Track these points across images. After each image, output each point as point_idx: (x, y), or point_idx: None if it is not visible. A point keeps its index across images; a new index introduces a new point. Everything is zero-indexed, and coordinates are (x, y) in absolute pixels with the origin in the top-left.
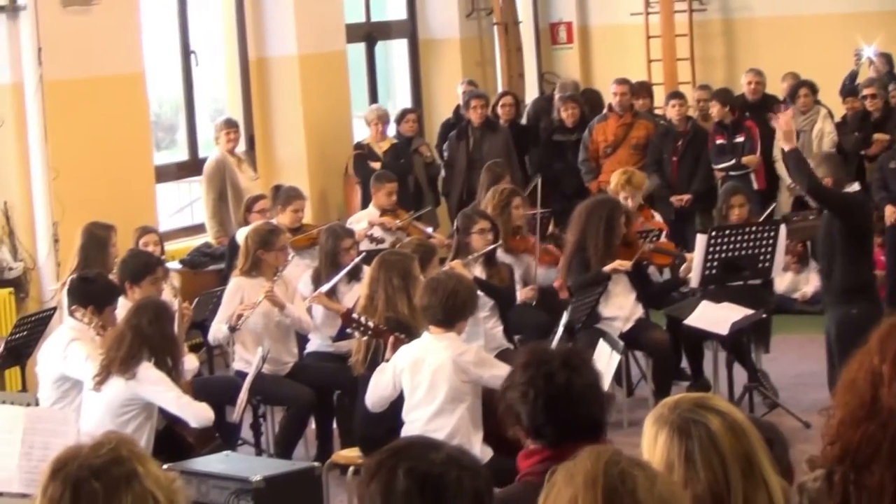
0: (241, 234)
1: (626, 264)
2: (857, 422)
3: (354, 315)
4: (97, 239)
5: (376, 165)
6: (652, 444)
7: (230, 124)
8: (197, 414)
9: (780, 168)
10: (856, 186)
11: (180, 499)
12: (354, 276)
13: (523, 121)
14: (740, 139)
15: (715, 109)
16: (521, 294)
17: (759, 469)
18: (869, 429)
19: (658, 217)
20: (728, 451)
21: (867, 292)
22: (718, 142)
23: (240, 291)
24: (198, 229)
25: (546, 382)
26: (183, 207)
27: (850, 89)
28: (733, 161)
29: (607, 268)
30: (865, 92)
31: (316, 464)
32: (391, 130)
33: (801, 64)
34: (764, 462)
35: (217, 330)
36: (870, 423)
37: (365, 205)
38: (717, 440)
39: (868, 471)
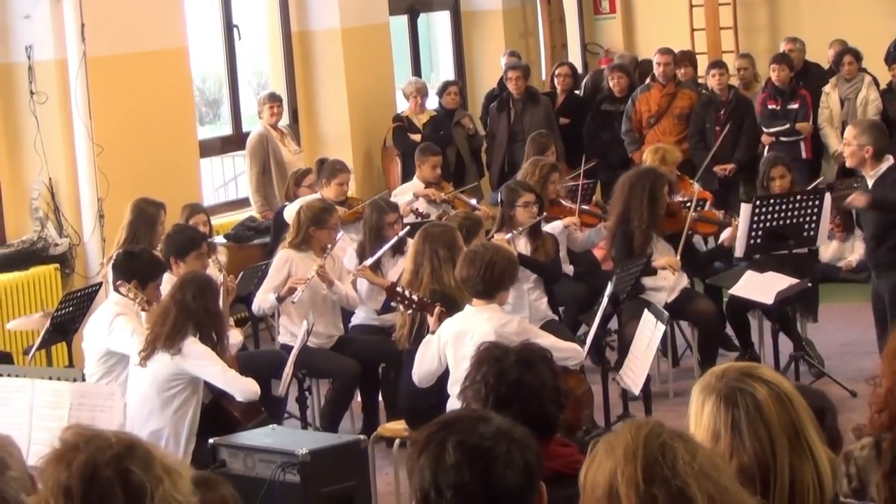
0: (290, 210)
1: (675, 264)
2: None
3: (399, 288)
4: (147, 215)
5: (416, 138)
6: (699, 413)
7: (273, 98)
8: (243, 388)
9: (826, 136)
10: (891, 160)
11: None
12: (398, 249)
13: (579, 91)
14: (794, 106)
15: (777, 74)
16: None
17: (806, 440)
18: None
19: (696, 186)
20: (775, 421)
21: None
22: (771, 107)
23: (288, 263)
24: (242, 204)
25: (497, 380)
26: (227, 182)
27: (895, 56)
28: (787, 126)
29: (657, 263)
30: None
31: (362, 437)
32: (433, 103)
33: (845, 32)
34: (811, 432)
35: (263, 300)
36: None
37: (405, 177)
38: (764, 410)
39: None
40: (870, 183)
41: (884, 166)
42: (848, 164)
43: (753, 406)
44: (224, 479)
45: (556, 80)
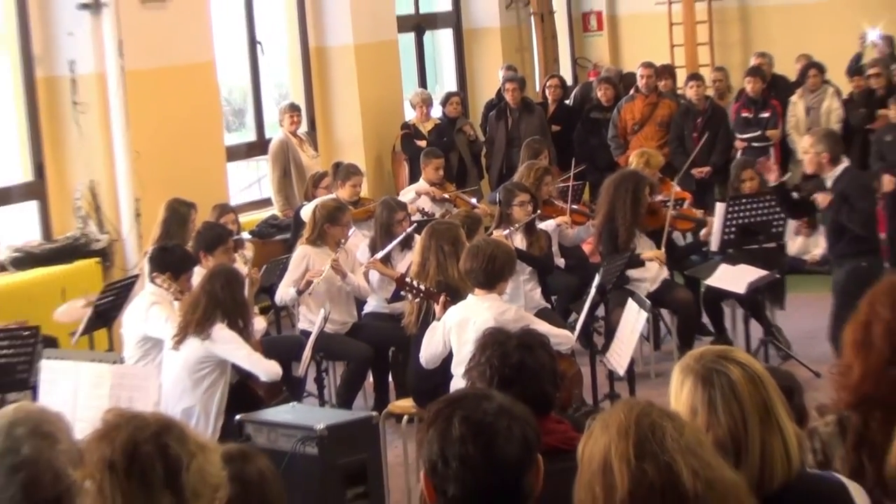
0: (308, 209)
1: (661, 256)
2: (879, 371)
3: (407, 279)
4: (179, 214)
5: (422, 143)
6: (678, 391)
7: (293, 108)
8: (266, 369)
9: (794, 142)
10: (846, 162)
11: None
12: (407, 244)
13: (569, 101)
14: (765, 114)
15: (751, 85)
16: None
17: (776, 416)
18: (894, 374)
19: (676, 187)
20: (747, 400)
21: (874, 249)
22: (744, 115)
23: (305, 258)
24: (265, 203)
25: (501, 362)
26: (251, 183)
27: (855, 69)
28: (758, 133)
29: (645, 255)
30: (870, 72)
31: (374, 413)
32: (436, 111)
33: (811, 47)
34: (780, 410)
35: (284, 293)
36: (893, 369)
37: (412, 179)
38: (738, 389)
39: (890, 407)
40: (829, 184)
41: (839, 168)
42: (808, 170)
43: (728, 385)
44: (260, 452)
45: (547, 91)
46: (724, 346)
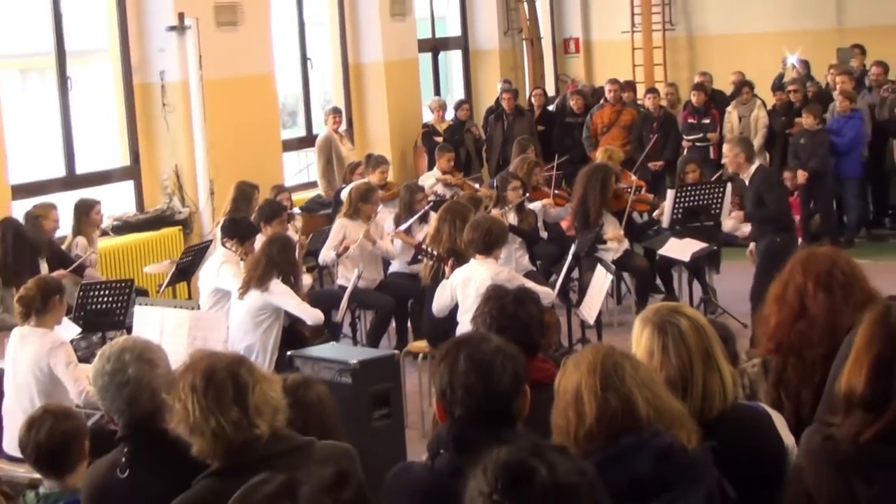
0: (346, 190)
1: (619, 236)
2: (790, 323)
3: (424, 246)
4: (246, 193)
5: (438, 139)
6: (638, 338)
7: (335, 111)
8: (312, 316)
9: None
10: (758, 161)
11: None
12: (424, 219)
13: (552, 108)
14: (707, 121)
15: (696, 98)
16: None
17: (715, 359)
18: (801, 327)
19: (634, 177)
20: (693, 345)
21: (788, 227)
22: (689, 121)
23: (343, 229)
24: (312, 185)
25: (499, 313)
26: (301, 169)
27: (778, 86)
28: (701, 135)
29: (608, 236)
30: (790, 87)
31: (396, 351)
32: (449, 115)
33: (744, 67)
34: (719, 354)
35: (326, 255)
36: (800, 322)
37: (430, 168)
38: (686, 336)
39: (800, 356)
40: (746, 181)
41: (752, 167)
42: (730, 170)
43: (678, 334)
44: (318, 380)
45: (533, 100)
46: (674, 302)
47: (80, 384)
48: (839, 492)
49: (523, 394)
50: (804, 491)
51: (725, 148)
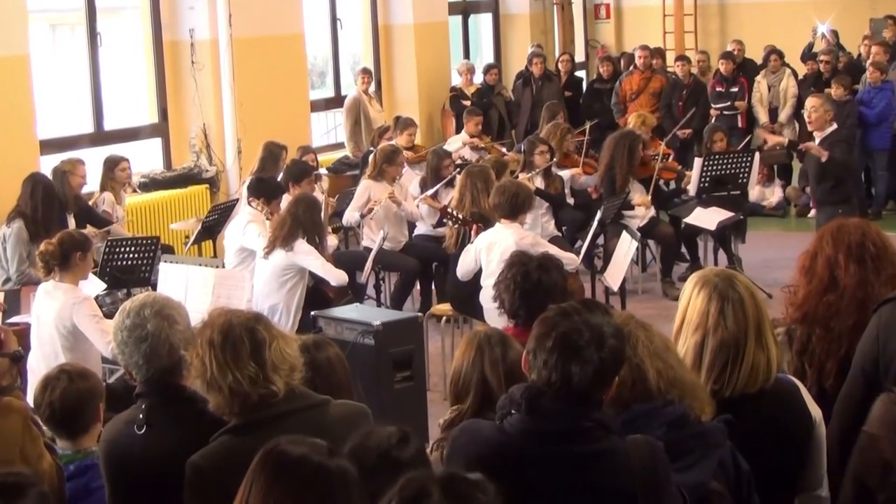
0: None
1: (647, 202)
2: (818, 294)
3: (449, 210)
4: (273, 153)
5: (466, 103)
6: (694, 295)
7: (365, 71)
8: (336, 276)
9: (757, 112)
10: (834, 125)
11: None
12: (450, 183)
13: (579, 74)
14: (735, 89)
15: (724, 66)
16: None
17: (764, 335)
18: (830, 298)
19: (663, 145)
20: (751, 316)
21: (849, 198)
22: (718, 89)
23: (368, 190)
24: (339, 146)
25: (523, 279)
26: (329, 130)
27: (808, 55)
28: (729, 103)
29: (635, 201)
30: (820, 57)
31: (419, 314)
32: (478, 79)
33: (773, 36)
34: (768, 330)
35: (350, 216)
36: (829, 294)
37: (458, 131)
38: (745, 306)
39: (827, 328)
40: (817, 140)
41: (830, 129)
42: (812, 127)
43: (739, 301)
44: (332, 342)
45: (560, 65)
46: (728, 269)
47: (107, 336)
48: None
49: (606, 385)
50: (880, 459)
51: (815, 102)
